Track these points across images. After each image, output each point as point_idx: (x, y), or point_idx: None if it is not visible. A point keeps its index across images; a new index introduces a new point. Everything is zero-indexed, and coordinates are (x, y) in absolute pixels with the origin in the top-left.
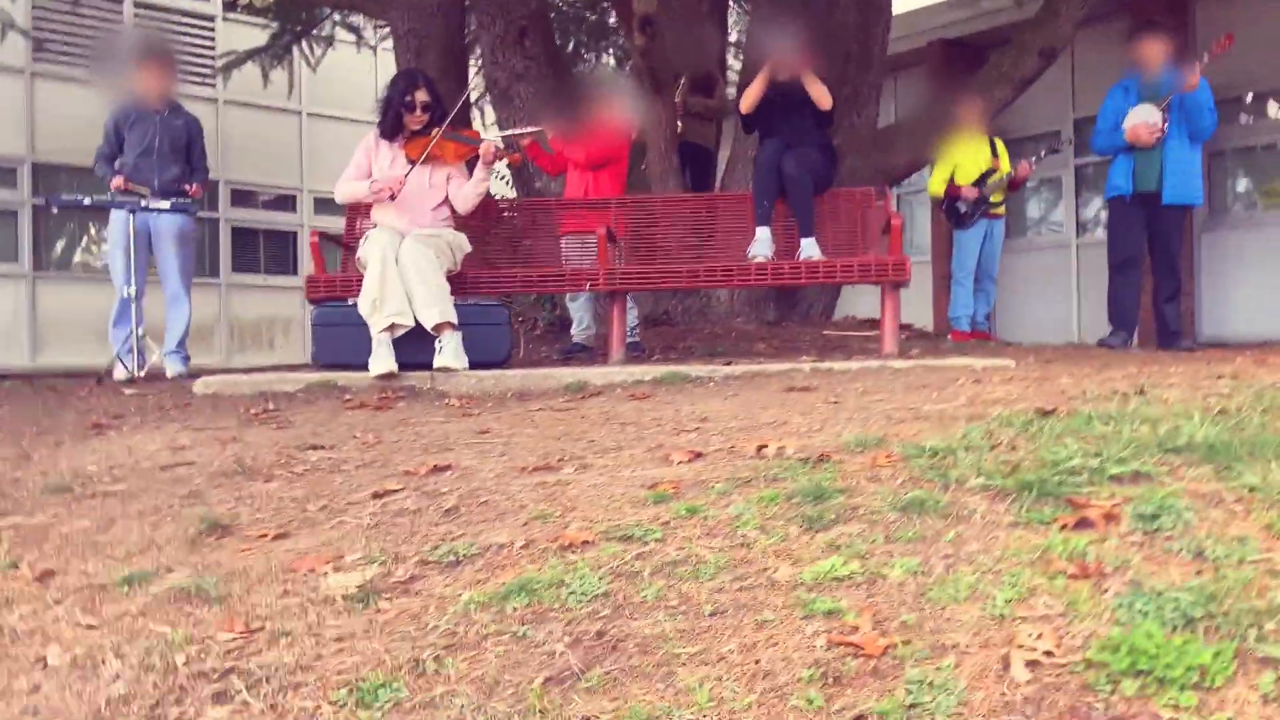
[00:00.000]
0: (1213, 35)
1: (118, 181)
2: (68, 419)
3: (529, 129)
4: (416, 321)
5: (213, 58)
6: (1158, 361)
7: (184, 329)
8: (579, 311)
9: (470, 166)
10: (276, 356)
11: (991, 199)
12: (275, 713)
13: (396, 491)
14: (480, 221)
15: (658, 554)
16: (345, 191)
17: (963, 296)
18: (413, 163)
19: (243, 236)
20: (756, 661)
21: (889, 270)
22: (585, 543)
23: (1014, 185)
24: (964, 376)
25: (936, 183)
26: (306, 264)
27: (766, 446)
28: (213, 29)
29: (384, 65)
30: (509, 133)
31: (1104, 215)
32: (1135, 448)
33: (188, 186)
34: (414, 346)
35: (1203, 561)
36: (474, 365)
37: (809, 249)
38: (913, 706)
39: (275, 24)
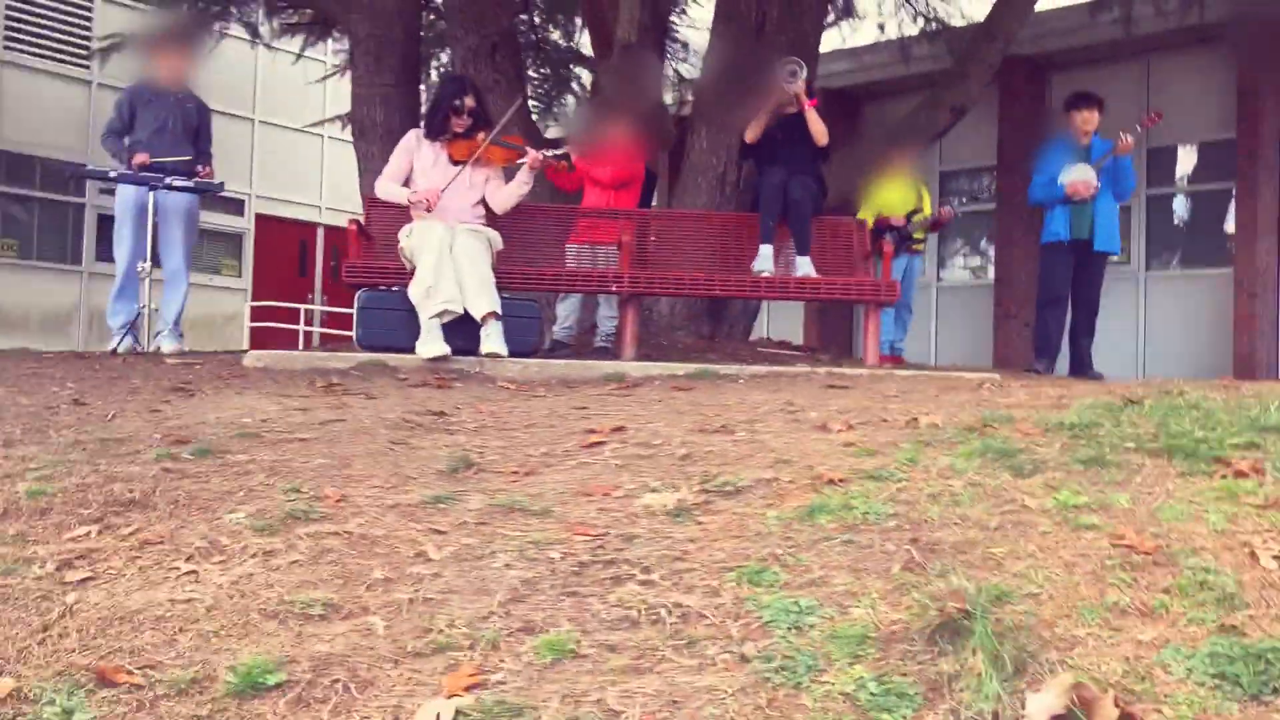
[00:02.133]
0: (1144, 112)
1: (141, 158)
2: (138, 384)
3: (559, 150)
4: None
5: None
6: (1091, 383)
7: (181, 306)
8: (565, 311)
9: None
10: None
11: (914, 236)
12: (680, 588)
13: (603, 444)
14: (511, 221)
15: (911, 489)
16: (385, 193)
17: (886, 323)
18: (459, 164)
19: None
20: (1060, 555)
21: (881, 290)
22: (841, 479)
23: (935, 226)
24: (980, 382)
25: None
26: None
27: (917, 419)
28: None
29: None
30: (548, 153)
31: (953, 261)
32: (1234, 425)
33: (200, 168)
34: (451, 333)
35: None
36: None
37: (805, 267)
38: (1202, 583)
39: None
